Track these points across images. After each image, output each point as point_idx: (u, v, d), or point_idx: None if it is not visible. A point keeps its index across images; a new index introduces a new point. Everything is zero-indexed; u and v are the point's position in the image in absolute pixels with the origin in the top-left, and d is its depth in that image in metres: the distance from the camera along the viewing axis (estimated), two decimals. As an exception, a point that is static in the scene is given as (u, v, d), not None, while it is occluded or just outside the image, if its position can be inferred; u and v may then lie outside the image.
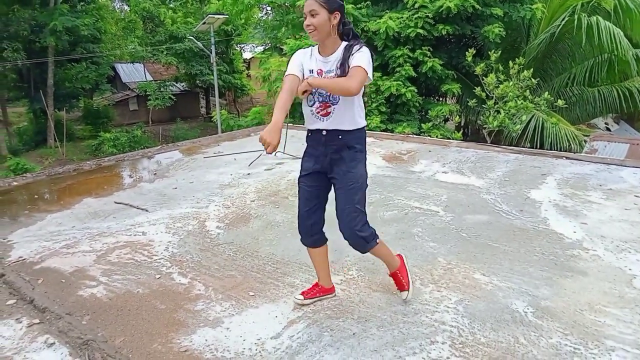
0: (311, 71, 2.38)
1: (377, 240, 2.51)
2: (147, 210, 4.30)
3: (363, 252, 2.52)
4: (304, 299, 2.66)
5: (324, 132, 2.42)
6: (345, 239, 2.45)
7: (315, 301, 2.69)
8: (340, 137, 2.41)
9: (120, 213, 4.27)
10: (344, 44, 2.34)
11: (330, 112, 2.38)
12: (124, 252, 3.42)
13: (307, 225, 2.60)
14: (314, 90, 2.36)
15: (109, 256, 3.37)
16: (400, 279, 2.68)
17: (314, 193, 2.56)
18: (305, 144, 2.57)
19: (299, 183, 2.60)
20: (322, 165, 2.48)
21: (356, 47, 2.30)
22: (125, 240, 3.63)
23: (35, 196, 4.94)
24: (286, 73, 2.38)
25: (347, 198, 2.42)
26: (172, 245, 3.52)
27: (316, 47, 2.42)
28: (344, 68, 2.29)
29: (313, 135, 2.49)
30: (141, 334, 2.44)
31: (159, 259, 3.31)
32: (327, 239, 2.69)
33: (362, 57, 2.25)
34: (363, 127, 2.47)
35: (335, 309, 2.63)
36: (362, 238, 2.43)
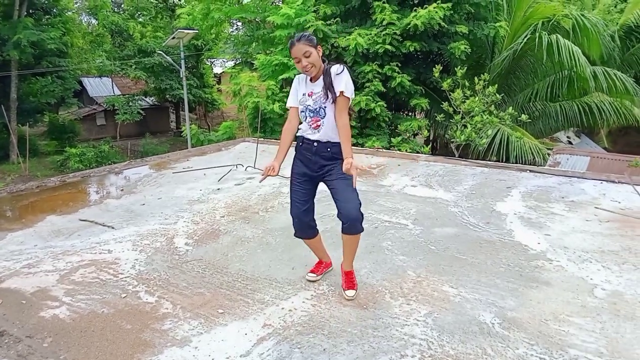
0: (304, 94, 2.83)
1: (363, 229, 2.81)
2: (113, 228, 4.20)
3: (357, 233, 2.75)
4: (317, 275, 3.11)
5: (315, 144, 2.80)
6: (351, 219, 2.67)
7: (324, 274, 3.16)
8: (329, 149, 2.79)
9: (85, 231, 4.16)
10: (322, 67, 2.76)
11: (320, 125, 2.78)
12: (88, 271, 3.32)
13: (304, 222, 2.95)
14: (304, 108, 2.81)
15: (73, 275, 3.27)
16: (353, 277, 2.97)
17: (308, 194, 2.93)
18: (295, 151, 2.94)
19: (292, 186, 2.94)
20: (313, 170, 2.85)
21: (333, 69, 2.72)
22: (90, 259, 3.53)
23: (-5, 214, 4.76)
24: (289, 104, 2.92)
25: (349, 186, 2.69)
26: (138, 263, 3.44)
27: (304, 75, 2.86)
28: (329, 92, 2.72)
29: (305, 145, 2.85)
30: (106, 356, 2.36)
31: (125, 277, 3.23)
32: (318, 230, 3.07)
33: (341, 83, 2.69)
34: None
35: (306, 324, 2.61)
36: (360, 220, 2.71)
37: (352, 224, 2.69)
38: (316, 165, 2.82)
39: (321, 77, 2.76)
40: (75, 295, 2.99)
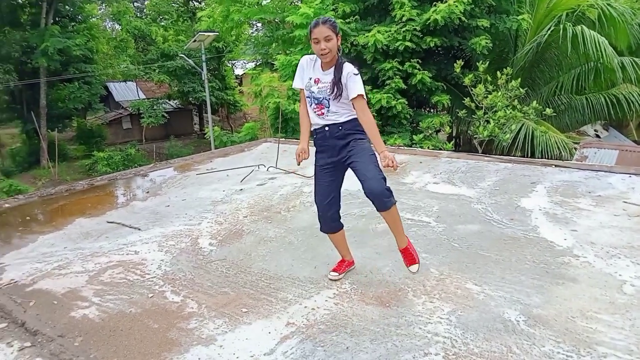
0: (310, 79, 2.84)
1: (395, 200, 2.82)
2: (139, 229, 4.30)
3: (387, 208, 2.76)
4: (339, 274, 3.09)
5: (327, 128, 2.85)
6: (375, 194, 2.70)
7: (346, 273, 3.15)
8: (340, 127, 2.84)
9: (112, 232, 4.26)
10: (336, 58, 2.78)
11: (324, 113, 2.83)
12: (116, 272, 3.41)
13: (327, 216, 2.98)
14: (309, 93, 2.84)
15: (102, 276, 3.36)
16: (411, 253, 3.04)
17: (332, 186, 2.95)
18: (315, 148, 2.96)
19: (316, 178, 2.97)
20: (334, 155, 2.88)
21: (347, 70, 2.75)
22: (118, 260, 3.63)
23: (27, 218, 4.92)
24: (296, 85, 2.93)
25: (371, 161, 2.75)
26: (164, 264, 3.52)
27: (316, 57, 2.85)
28: (337, 87, 2.75)
29: (319, 134, 2.90)
30: (134, 355, 2.43)
31: (152, 277, 3.31)
32: (343, 225, 3.10)
33: (357, 84, 2.73)
34: (356, 117, 2.85)
35: (329, 323, 2.63)
36: (388, 190, 2.72)
37: (379, 198, 2.71)
38: (335, 149, 2.87)
39: (332, 68, 2.78)
40: (104, 295, 3.08)
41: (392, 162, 2.64)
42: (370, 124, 2.77)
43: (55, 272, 3.45)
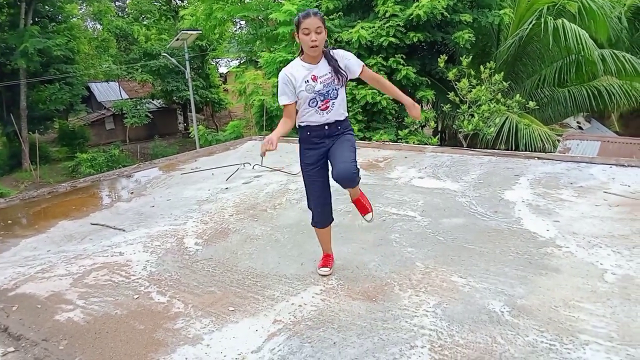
0: (306, 81, 2.75)
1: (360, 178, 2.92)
2: (124, 230, 4.26)
3: (353, 187, 2.90)
4: (330, 269, 3.13)
5: (326, 127, 2.82)
6: (342, 177, 2.72)
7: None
8: (339, 127, 2.86)
9: (96, 234, 4.22)
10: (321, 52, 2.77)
11: (329, 107, 2.78)
12: (101, 274, 3.38)
13: (326, 211, 3.02)
14: (314, 93, 2.74)
15: (86, 279, 3.32)
16: (363, 203, 3.14)
17: (326, 182, 2.96)
18: (302, 143, 2.92)
19: (309, 177, 2.94)
20: (325, 151, 2.87)
21: (339, 54, 2.80)
22: (102, 262, 3.59)
23: (9, 221, 4.84)
24: (284, 102, 2.79)
25: (347, 149, 2.80)
26: (150, 264, 3.49)
27: (297, 60, 2.82)
28: (339, 74, 2.77)
29: (313, 132, 2.84)
30: (120, 357, 2.41)
31: (137, 278, 3.28)
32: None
33: (354, 59, 2.82)
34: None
35: (316, 319, 2.64)
36: (356, 174, 2.79)
37: (348, 180, 2.76)
38: (327, 146, 2.86)
39: (323, 61, 2.76)
40: (88, 298, 3.04)
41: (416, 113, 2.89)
42: (385, 82, 2.96)
43: (38, 276, 3.41)
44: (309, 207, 3.06)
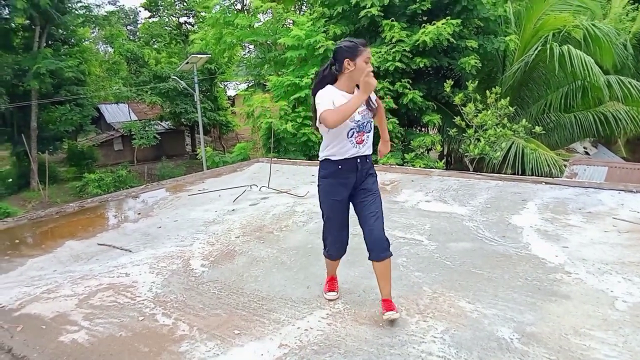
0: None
1: (392, 254, 2.79)
2: (130, 251, 4.26)
3: (384, 258, 2.72)
4: (337, 293, 3.10)
5: (358, 160, 2.74)
6: (373, 240, 2.70)
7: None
8: (368, 161, 2.81)
9: (103, 255, 4.22)
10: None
11: (364, 140, 2.74)
12: (106, 295, 3.37)
13: (344, 246, 2.97)
14: (353, 123, 2.66)
15: (91, 299, 3.31)
16: (391, 302, 2.80)
17: (347, 220, 2.89)
18: (328, 178, 2.80)
19: (332, 212, 2.85)
20: (352, 187, 2.80)
21: None
22: (108, 283, 3.58)
23: (17, 241, 4.86)
24: (323, 109, 2.55)
25: (377, 204, 2.77)
26: (155, 286, 3.48)
27: (332, 87, 2.69)
28: (370, 105, 2.74)
29: (345, 165, 2.74)
30: (124, 379, 2.38)
31: (143, 300, 3.26)
32: None
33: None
34: None
35: (322, 343, 2.60)
36: (387, 241, 2.73)
37: (380, 245, 2.70)
38: (362, 178, 2.79)
39: (357, 91, 2.67)
40: (93, 319, 3.03)
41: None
42: (383, 114, 3.02)
43: (44, 296, 3.40)
44: (324, 239, 3.00)
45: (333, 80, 2.71)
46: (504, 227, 4.31)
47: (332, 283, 3.15)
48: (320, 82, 2.72)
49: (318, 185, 2.88)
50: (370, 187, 2.79)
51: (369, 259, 2.76)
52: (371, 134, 2.78)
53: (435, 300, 3.01)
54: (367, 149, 2.77)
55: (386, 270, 2.77)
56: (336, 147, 2.71)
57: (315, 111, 2.64)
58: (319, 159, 2.86)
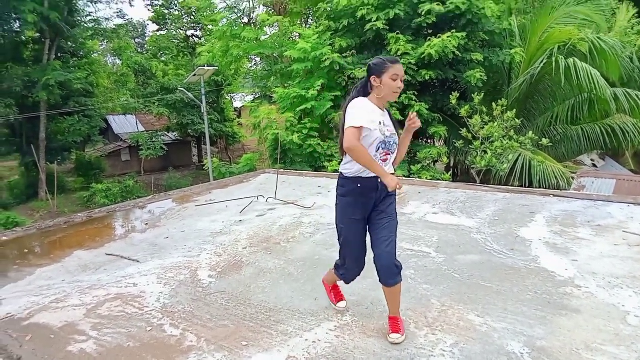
0: (380, 123, 2.61)
1: (402, 279, 2.72)
2: (138, 261, 4.27)
3: (393, 285, 2.66)
4: (345, 302, 3.06)
5: (379, 179, 2.61)
6: (383, 266, 2.62)
7: None
8: None
9: (111, 265, 4.23)
10: None
11: (387, 159, 2.69)
12: (114, 305, 3.37)
13: (360, 271, 2.85)
14: (383, 137, 2.59)
15: (100, 309, 3.32)
16: (397, 322, 2.76)
17: (365, 242, 2.77)
18: (348, 196, 2.71)
19: (351, 233, 2.74)
20: (372, 207, 2.71)
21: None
22: (116, 293, 3.59)
23: (25, 250, 4.89)
24: (360, 123, 2.48)
25: (391, 229, 2.68)
26: (163, 296, 3.48)
27: (370, 101, 2.64)
28: (396, 127, 2.73)
29: (366, 183, 2.65)
30: (132, 390, 2.38)
31: (150, 310, 3.27)
32: None
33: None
34: None
35: (330, 356, 2.59)
36: (396, 267, 2.65)
37: (388, 272, 2.63)
38: (375, 203, 2.70)
39: (387, 111, 2.71)
40: (101, 329, 3.03)
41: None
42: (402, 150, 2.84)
43: (52, 306, 3.41)
44: (340, 262, 2.89)
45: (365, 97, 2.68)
46: (513, 240, 4.28)
47: (337, 292, 3.13)
48: (354, 98, 2.68)
49: (336, 204, 2.78)
50: (386, 209, 2.71)
51: (379, 281, 2.70)
52: (393, 157, 2.72)
53: (444, 314, 2.99)
54: (389, 169, 2.70)
55: (395, 294, 2.73)
56: (352, 164, 2.64)
57: (344, 123, 2.55)
58: (340, 172, 2.76)
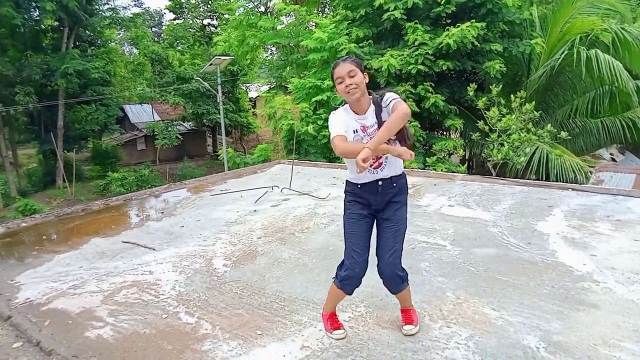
0: (355, 131, 2.47)
1: (408, 283, 2.68)
2: (154, 249, 4.31)
3: (396, 292, 2.65)
4: (344, 331, 2.71)
5: (380, 182, 2.53)
6: (385, 276, 2.59)
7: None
8: (394, 184, 2.56)
9: (127, 252, 4.28)
10: (371, 100, 2.52)
11: (382, 164, 2.51)
12: (131, 292, 3.42)
13: (363, 272, 2.59)
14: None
15: (116, 296, 3.36)
16: (410, 315, 2.77)
17: (369, 238, 2.62)
18: (348, 195, 2.63)
19: (351, 227, 2.60)
20: (376, 209, 2.59)
21: (386, 98, 2.47)
22: (132, 280, 3.63)
23: (44, 237, 4.97)
24: (335, 134, 2.42)
25: (396, 238, 2.58)
26: (179, 284, 3.51)
27: (346, 108, 2.54)
28: (380, 119, 2.45)
29: (366, 187, 2.55)
30: (147, 376, 2.41)
31: (166, 298, 3.30)
32: None
33: (392, 98, 2.45)
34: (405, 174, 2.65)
35: (344, 347, 2.59)
36: (400, 277, 2.60)
37: (390, 281, 2.59)
38: (382, 203, 2.57)
39: (371, 109, 2.48)
40: (118, 315, 3.07)
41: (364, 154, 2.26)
42: (395, 116, 2.37)
43: (70, 292, 3.47)
44: (341, 265, 2.65)
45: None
46: (530, 234, 4.23)
47: (334, 320, 2.76)
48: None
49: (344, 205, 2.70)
50: (391, 216, 2.56)
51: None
52: (388, 159, 2.51)
53: (459, 306, 2.97)
54: (390, 171, 2.53)
55: (403, 296, 2.72)
56: (354, 172, 2.52)
57: None
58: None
